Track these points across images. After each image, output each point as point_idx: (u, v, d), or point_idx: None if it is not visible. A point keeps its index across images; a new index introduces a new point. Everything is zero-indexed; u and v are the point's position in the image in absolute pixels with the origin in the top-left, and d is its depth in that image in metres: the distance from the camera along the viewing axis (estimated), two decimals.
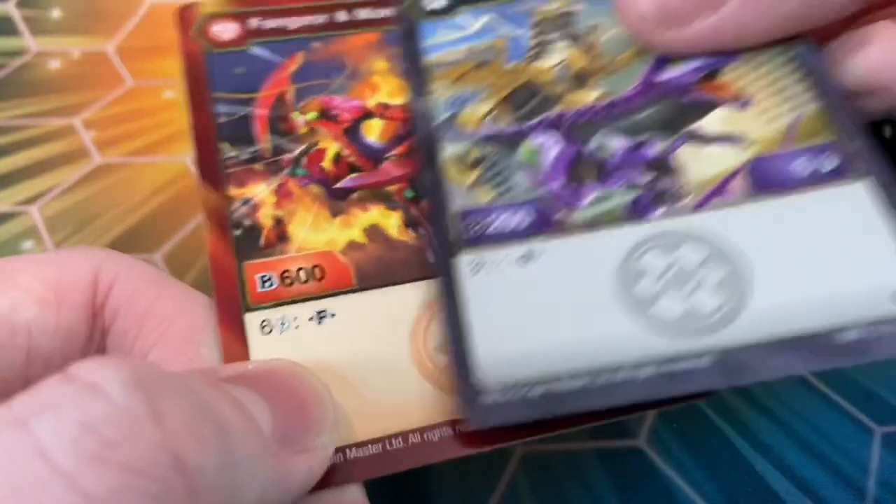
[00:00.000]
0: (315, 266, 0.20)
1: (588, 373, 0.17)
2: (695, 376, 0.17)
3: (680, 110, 0.21)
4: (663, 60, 0.21)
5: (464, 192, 0.20)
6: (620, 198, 0.19)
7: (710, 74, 0.21)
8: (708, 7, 0.19)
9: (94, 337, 0.18)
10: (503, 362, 0.18)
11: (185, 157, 0.33)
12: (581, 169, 0.20)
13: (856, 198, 0.19)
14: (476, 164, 0.20)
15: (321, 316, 0.19)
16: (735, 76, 0.21)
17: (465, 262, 0.19)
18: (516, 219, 0.19)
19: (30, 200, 0.32)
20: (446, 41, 0.22)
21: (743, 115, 0.20)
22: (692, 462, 0.25)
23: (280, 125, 0.22)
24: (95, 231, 0.31)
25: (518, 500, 0.25)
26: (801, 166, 0.20)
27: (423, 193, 0.20)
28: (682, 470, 0.25)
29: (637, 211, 0.19)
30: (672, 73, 0.21)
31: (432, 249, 0.19)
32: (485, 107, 0.21)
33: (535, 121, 0.21)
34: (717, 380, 0.17)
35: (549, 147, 0.20)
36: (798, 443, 0.26)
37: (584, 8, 0.23)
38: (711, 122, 0.20)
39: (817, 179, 0.19)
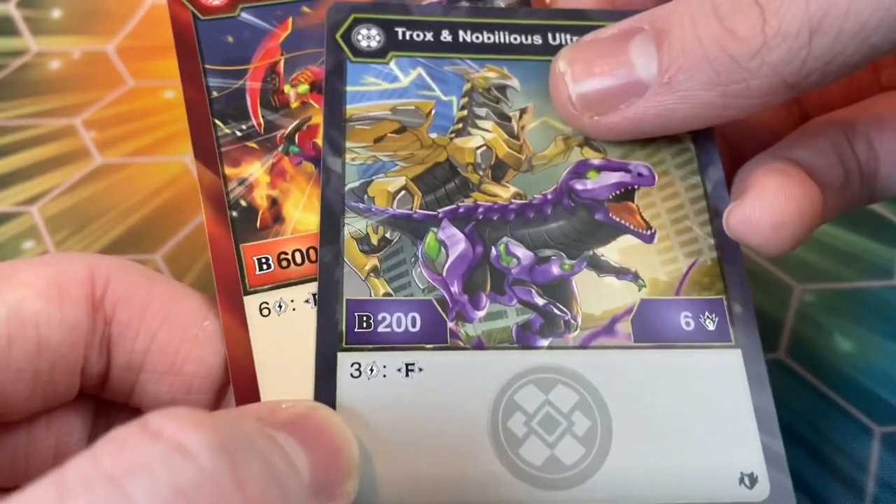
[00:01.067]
0: (310, 247, 0.20)
1: None
2: None
3: (589, 228, 0.20)
4: (583, 166, 0.21)
5: (359, 279, 0.19)
6: (512, 318, 0.19)
7: (624, 194, 0.21)
8: (632, 94, 0.20)
9: (97, 328, 0.19)
10: (365, 486, 0.17)
11: (185, 157, 0.33)
12: (480, 276, 0.19)
13: (729, 367, 0.19)
14: (379, 247, 0.19)
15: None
16: (646, 203, 0.21)
17: (347, 363, 0.18)
18: (406, 321, 0.19)
19: (30, 200, 0.32)
20: (373, 91, 0.21)
21: (645, 249, 0.20)
22: None
23: (272, 99, 0.21)
24: (96, 231, 0.31)
25: None
26: (685, 320, 0.19)
27: (319, 268, 0.19)
28: None
29: (525, 336, 0.19)
30: (589, 183, 0.21)
31: (317, 335, 0.18)
32: (399, 181, 0.20)
33: (447, 207, 0.20)
34: None
35: (453, 244, 0.20)
36: (798, 443, 0.26)
37: (518, 84, 0.22)
38: (614, 250, 0.20)
39: (698, 337, 0.19)
